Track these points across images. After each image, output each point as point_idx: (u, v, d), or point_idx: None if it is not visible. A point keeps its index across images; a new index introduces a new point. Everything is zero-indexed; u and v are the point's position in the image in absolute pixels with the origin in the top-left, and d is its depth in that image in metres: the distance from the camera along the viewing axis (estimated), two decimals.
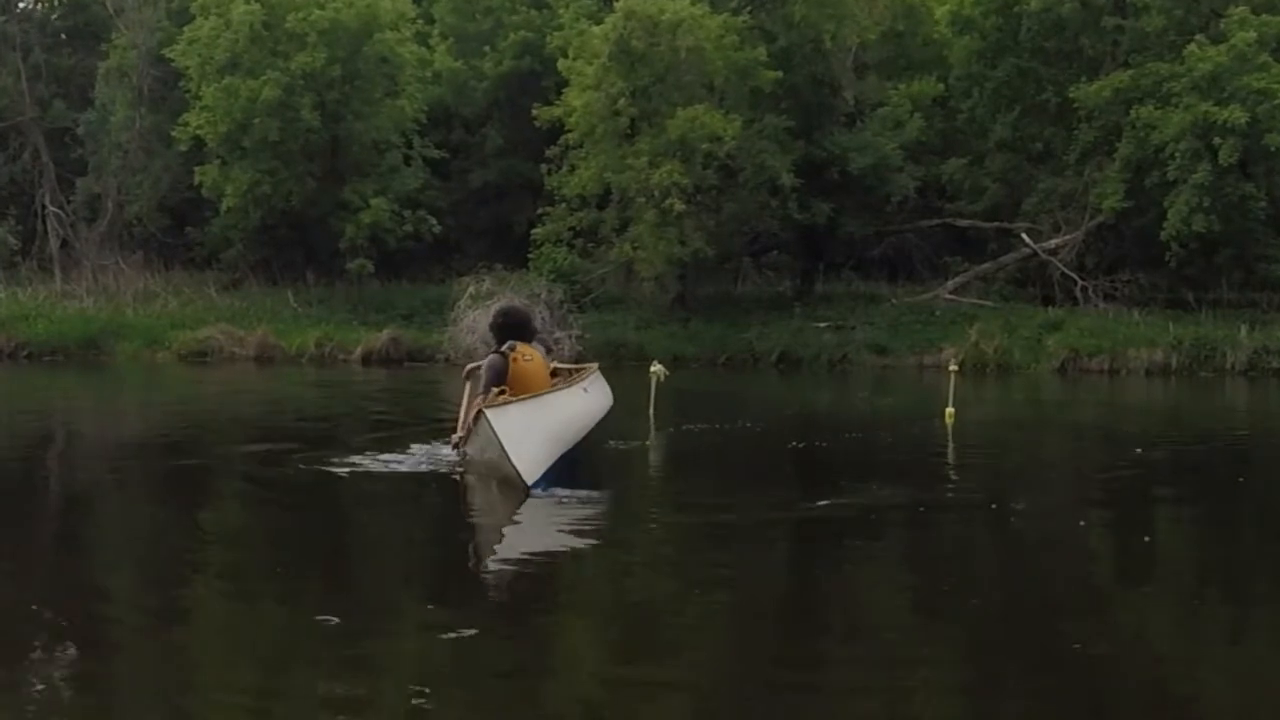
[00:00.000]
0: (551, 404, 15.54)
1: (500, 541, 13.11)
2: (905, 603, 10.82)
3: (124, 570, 12.00)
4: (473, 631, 9.54)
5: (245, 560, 12.33)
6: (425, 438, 18.37)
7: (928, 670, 8.89)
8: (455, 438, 16.27)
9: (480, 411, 14.95)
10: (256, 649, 9.36)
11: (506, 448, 14.11)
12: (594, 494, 15.54)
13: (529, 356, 15.90)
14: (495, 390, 15.46)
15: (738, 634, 9.79)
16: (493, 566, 11.96)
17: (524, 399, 15.16)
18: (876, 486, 16.22)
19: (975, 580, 11.57)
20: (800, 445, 20.90)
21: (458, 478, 16.04)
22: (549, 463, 14.52)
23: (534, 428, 14.61)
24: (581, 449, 16.50)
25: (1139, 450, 19.88)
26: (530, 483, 14.05)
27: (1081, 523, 14.19)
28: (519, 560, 12.22)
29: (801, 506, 15.17)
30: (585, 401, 16.84)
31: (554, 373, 17.69)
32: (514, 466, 14.06)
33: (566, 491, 14.34)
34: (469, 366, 17.16)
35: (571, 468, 15.37)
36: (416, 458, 16.99)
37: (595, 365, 20.18)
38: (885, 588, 11.31)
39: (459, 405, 16.83)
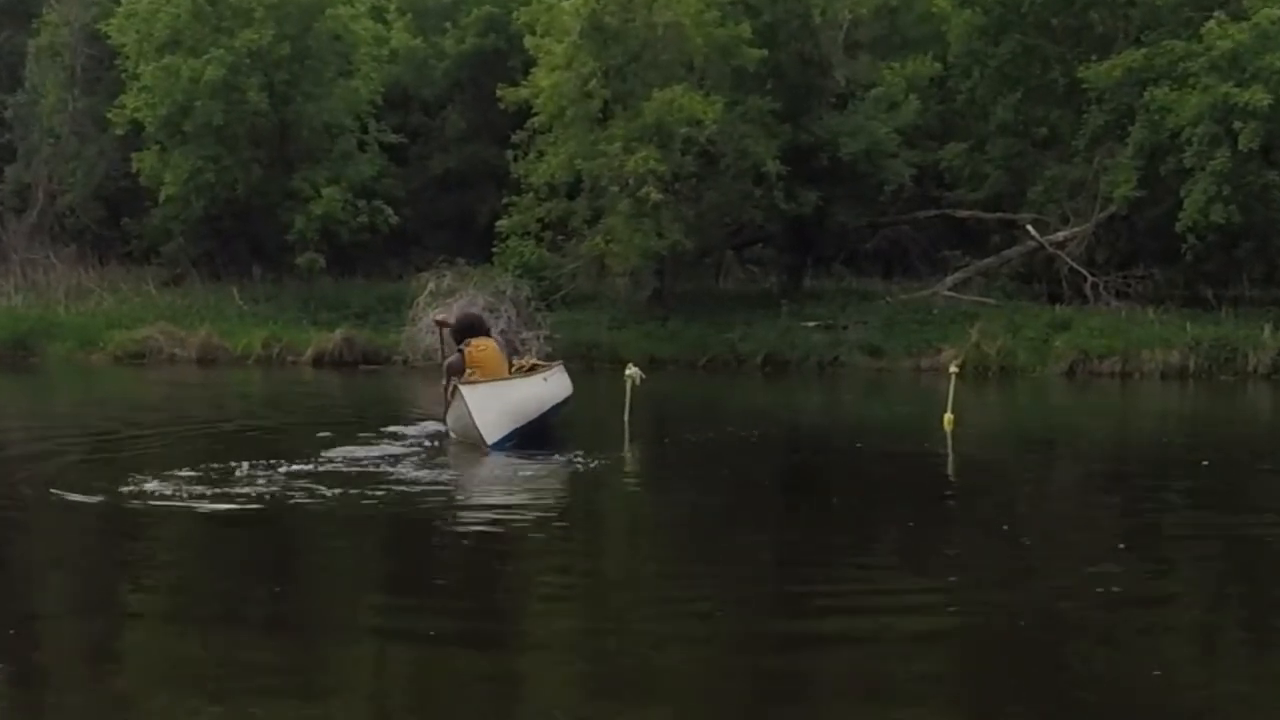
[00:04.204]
0: (512, 386, 20.37)
1: (457, 558, 13.08)
2: (904, 626, 10.55)
3: (52, 595, 11.78)
4: (432, 650, 9.64)
5: (184, 578, 12.19)
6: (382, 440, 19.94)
7: (928, 691, 8.90)
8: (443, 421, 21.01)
9: (457, 388, 19.95)
10: (200, 674, 9.27)
11: (473, 414, 19.12)
12: (565, 508, 15.67)
13: (483, 347, 20.86)
14: (466, 372, 20.35)
15: (720, 659, 9.72)
16: (450, 584, 11.93)
17: (491, 381, 20.04)
18: (871, 504, 16.16)
19: (981, 604, 11.29)
20: (793, 457, 20.79)
21: (409, 492, 15.97)
22: (506, 430, 19.31)
23: (496, 401, 19.51)
24: (551, 432, 20.88)
25: (1154, 463, 19.68)
26: (490, 442, 19.06)
27: (1120, 545, 13.88)
28: (477, 579, 12.09)
29: (791, 527, 14.96)
30: (544, 388, 21.23)
31: (532, 368, 22.38)
32: (478, 429, 19.07)
33: (532, 461, 18.52)
34: (446, 363, 21.80)
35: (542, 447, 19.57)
36: (366, 466, 17.41)
37: (560, 362, 24.98)
38: (881, 610, 11.01)
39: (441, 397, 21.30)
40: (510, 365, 21.51)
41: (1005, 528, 14.52)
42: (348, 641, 10.28)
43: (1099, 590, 11.79)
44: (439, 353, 22.56)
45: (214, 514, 14.41)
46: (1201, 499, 16.99)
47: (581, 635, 10.62)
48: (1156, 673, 9.49)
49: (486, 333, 21.95)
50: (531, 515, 15.14)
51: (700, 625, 10.59)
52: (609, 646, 10.23)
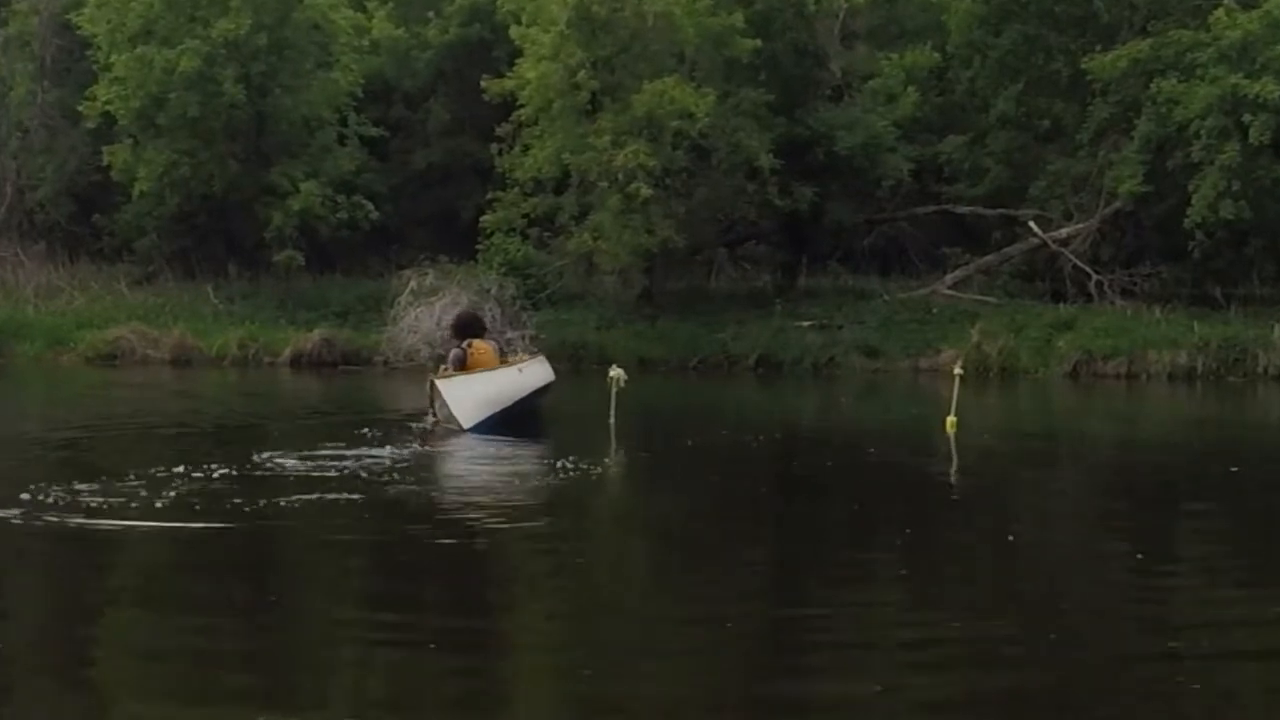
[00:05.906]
0: (485, 377, 23.04)
1: (439, 570, 13.07)
2: (908, 646, 10.40)
3: (22, 604, 11.75)
4: (413, 668, 9.66)
5: (157, 586, 12.18)
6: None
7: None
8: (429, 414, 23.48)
9: (432, 383, 23.11)
10: (174, 683, 9.31)
11: (449, 404, 22.34)
12: (546, 518, 15.63)
13: (482, 350, 23.61)
14: (442, 368, 23.58)
15: (711, 678, 9.67)
16: (432, 598, 11.93)
17: (464, 374, 22.97)
18: (874, 513, 16.06)
19: (987, 622, 11.13)
20: (793, 464, 20.70)
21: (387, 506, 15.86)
22: (481, 415, 22.21)
23: (470, 391, 22.59)
24: (535, 416, 23.82)
25: (1163, 472, 19.60)
26: (466, 427, 22.12)
27: (1139, 556, 13.69)
28: (459, 594, 12.10)
29: (791, 540, 14.86)
30: (519, 377, 23.68)
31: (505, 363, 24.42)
32: (455, 416, 22.23)
33: (503, 439, 21.34)
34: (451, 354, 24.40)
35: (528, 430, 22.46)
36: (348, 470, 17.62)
37: (539, 354, 27.09)
38: (886, 640, 10.78)
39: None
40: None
41: (1011, 537, 14.37)
42: (329, 655, 10.20)
43: (1111, 604, 11.60)
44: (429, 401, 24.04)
45: (192, 523, 14.15)
46: (1216, 507, 16.82)
47: (566, 656, 10.43)
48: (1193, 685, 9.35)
49: (484, 329, 25.30)
50: (514, 528, 14.99)
51: (691, 649, 10.43)
52: (597, 665, 10.05)
